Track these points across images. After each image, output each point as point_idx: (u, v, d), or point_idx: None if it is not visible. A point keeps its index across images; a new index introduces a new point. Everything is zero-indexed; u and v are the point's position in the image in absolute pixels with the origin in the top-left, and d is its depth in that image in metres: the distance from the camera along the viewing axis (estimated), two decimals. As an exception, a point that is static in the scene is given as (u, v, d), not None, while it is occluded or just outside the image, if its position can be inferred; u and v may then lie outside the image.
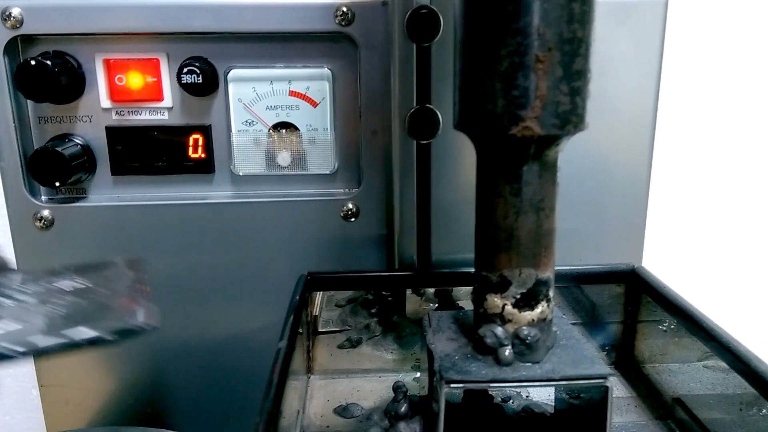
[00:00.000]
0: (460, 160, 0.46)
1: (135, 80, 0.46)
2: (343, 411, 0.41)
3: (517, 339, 0.31)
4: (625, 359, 0.46)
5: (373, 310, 0.48)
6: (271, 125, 0.48)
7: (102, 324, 0.29)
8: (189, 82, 0.45)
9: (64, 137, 0.47)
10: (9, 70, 0.45)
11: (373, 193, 0.48)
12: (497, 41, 0.27)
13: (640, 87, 0.47)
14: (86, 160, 0.47)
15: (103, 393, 0.51)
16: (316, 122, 0.48)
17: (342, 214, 0.49)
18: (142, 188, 0.49)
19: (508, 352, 0.31)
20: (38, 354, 0.27)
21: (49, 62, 0.43)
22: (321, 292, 0.47)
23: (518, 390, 0.41)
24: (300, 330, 0.38)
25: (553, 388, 0.39)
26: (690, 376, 0.39)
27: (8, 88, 0.45)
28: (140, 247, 0.48)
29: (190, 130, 0.47)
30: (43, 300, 0.31)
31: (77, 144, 0.47)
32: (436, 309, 0.47)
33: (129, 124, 0.47)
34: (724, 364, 0.35)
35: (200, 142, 0.47)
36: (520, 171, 0.30)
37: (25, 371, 0.83)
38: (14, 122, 0.46)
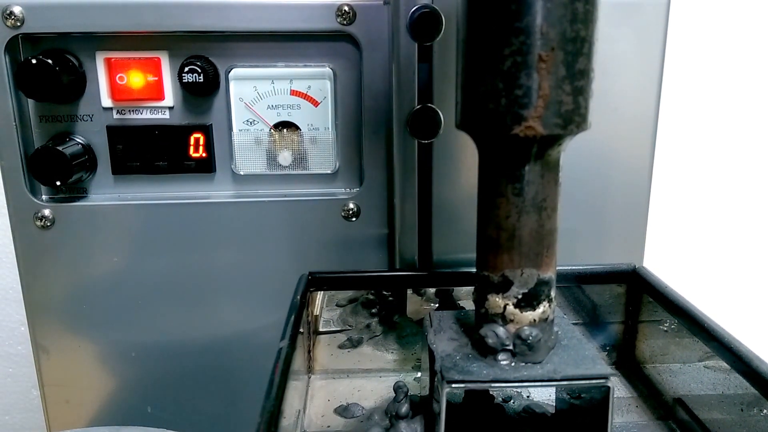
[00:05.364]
0: (461, 159, 0.46)
1: (136, 79, 0.46)
2: (343, 411, 0.41)
3: (518, 339, 0.31)
4: (626, 359, 0.46)
5: (373, 310, 0.47)
6: (272, 124, 0.48)
7: None
8: (190, 81, 0.45)
9: (65, 136, 0.47)
10: (10, 69, 0.45)
11: (374, 193, 0.48)
12: (500, 40, 0.27)
13: (641, 87, 0.47)
14: (87, 159, 0.47)
15: (104, 393, 0.51)
16: (318, 121, 0.48)
17: (343, 214, 0.49)
18: (142, 187, 0.49)
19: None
20: None
21: (50, 61, 0.43)
22: (322, 292, 0.46)
23: (519, 390, 0.41)
24: (301, 330, 0.38)
25: (553, 388, 0.39)
26: (691, 376, 0.39)
27: (9, 87, 0.45)
28: (141, 247, 0.48)
29: (191, 129, 0.47)
30: None
31: (78, 143, 0.47)
32: (437, 309, 0.47)
33: (130, 123, 0.47)
34: (725, 365, 0.35)
35: (201, 142, 0.47)
36: (523, 171, 0.30)
37: (25, 371, 0.84)
38: (15, 121, 0.46)
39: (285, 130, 0.48)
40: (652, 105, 0.47)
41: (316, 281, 0.44)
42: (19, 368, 0.84)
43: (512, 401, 0.40)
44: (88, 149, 0.47)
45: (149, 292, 0.49)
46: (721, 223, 0.85)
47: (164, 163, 0.48)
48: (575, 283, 0.46)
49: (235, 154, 0.48)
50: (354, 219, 0.49)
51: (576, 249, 0.49)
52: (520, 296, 0.31)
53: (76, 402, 0.51)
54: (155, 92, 0.47)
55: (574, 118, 0.29)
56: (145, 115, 0.47)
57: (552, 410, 0.39)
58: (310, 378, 0.45)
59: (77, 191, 0.48)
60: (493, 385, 0.31)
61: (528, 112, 0.28)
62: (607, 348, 0.47)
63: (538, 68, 0.27)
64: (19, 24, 0.44)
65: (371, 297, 0.47)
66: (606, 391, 0.31)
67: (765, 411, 0.32)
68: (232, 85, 0.47)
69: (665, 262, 0.73)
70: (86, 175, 0.48)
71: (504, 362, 0.31)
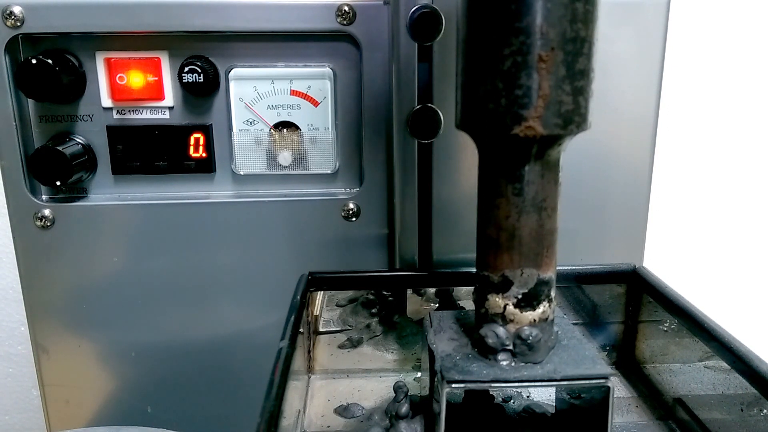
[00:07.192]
0: (461, 159, 0.46)
1: (136, 79, 0.46)
2: (343, 411, 0.41)
3: (518, 339, 0.31)
4: (626, 359, 0.46)
5: (373, 310, 0.47)
6: (272, 124, 0.48)
7: None
8: (190, 81, 0.45)
9: (65, 136, 0.47)
10: (10, 69, 0.45)
11: (374, 193, 0.48)
12: (500, 40, 0.27)
13: (641, 87, 0.47)
14: (87, 159, 0.47)
15: (104, 393, 0.51)
16: (318, 122, 0.48)
17: (343, 214, 0.49)
18: (142, 187, 0.49)
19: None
20: None
21: (50, 61, 0.43)
22: (322, 292, 0.46)
23: (519, 390, 0.41)
24: (301, 330, 0.38)
25: (553, 388, 0.39)
26: (691, 376, 0.39)
27: (9, 87, 0.45)
28: (141, 247, 0.48)
29: (191, 129, 0.47)
30: None
31: (78, 143, 0.47)
32: (437, 309, 0.47)
33: (130, 123, 0.47)
34: (725, 365, 0.35)
35: (201, 142, 0.47)
36: (523, 171, 0.30)
37: (25, 371, 0.84)
38: (15, 121, 0.46)
39: (285, 130, 0.48)
40: (652, 105, 0.47)
41: (316, 281, 0.44)
42: (19, 368, 0.84)
43: (512, 401, 0.40)
44: (88, 149, 0.47)
45: (149, 292, 0.49)
46: (721, 223, 0.85)
47: (164, 163, 0.48)
48: (575, 283, 0.46)
49: (235, 154, 0.48)
50: (354, 219, 0.49)
51: (576, 249, 0.49)
52: (520, 296, 0.31)
53: (76, 402, 0.51)
54: (155, 92, 0.47)
55: (574, 118, 0.29)
56: (145, 115, 0.47)
57: (552, 410, 0.39)
58: (310, 378, 0.45)
59: (77, 191, 0.48)
60: (493, 385, 0.31)
61: (528, 112, 0.28)
62: (607, 348, 0.47)
63: (538, 68, 0.27)
64: (19, 24, 0.44)
65: (371, 297, 0.47)
66: (606, 391, 0.31)
67: (765, 411, 0.32)
68: (232, 85, 0.47)
69: (665, 262, 0.73)
70: (86, 175, 0.48)
71: (504, 362, 0.31)
